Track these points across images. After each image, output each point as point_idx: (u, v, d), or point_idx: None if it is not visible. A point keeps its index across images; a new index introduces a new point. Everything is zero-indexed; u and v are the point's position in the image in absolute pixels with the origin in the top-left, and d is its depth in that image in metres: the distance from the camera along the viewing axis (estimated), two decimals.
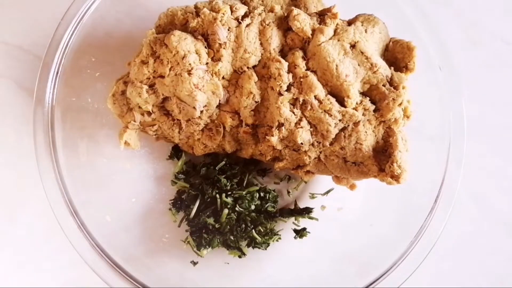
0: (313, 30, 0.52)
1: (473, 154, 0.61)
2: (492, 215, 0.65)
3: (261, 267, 0.61)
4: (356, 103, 0.51)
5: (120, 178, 0.61)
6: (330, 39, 0.51)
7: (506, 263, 0.65)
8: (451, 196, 0.56)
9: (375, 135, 0.53)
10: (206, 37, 0.52)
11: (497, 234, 0.65)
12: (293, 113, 0.51)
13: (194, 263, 0.59)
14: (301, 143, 0.52)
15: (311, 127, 0.52)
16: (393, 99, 0.51)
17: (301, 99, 0.51)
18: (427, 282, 0.64)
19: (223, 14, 0.51)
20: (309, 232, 0.60)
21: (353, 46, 0.51)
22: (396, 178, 0.50)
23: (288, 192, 0.62)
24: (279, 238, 0.60)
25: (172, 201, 0.60)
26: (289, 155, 0.54)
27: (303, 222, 0.61)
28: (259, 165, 0.60)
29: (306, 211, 0.61)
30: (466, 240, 0.65)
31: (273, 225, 0.60)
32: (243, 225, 0.58)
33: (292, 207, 0.61)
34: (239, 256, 0.59)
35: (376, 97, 0.52)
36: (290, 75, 0.51)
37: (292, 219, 0.61)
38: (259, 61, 0.52)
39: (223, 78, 0.53)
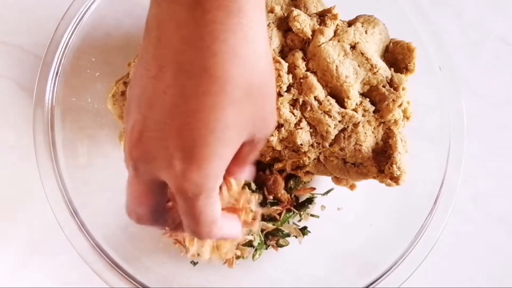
0: (313, 31, 0.52)
1: (473, 154, 0.61)
2: (492, 215, 0.65)
3: (261, 267, 0.61)
4: (356, 104, 0.51)
5: (120, 178, 0.60)
6: (330, 40, 0.51)
7: (506, 263, 0.65)
8: (451, 196, 0.56)
9: (375, 136, 0.53)
10: None
11: (497, 234, 0.65)
12: (293, 114, 0.51)
13: (194, 263, 0.60)
14: (301, 144, 0.52)
15: (310, 128, 0.52)
16: (393, 100, 0.51)
17: (300, 100, 0.51)
18: (427, 282, 0.64)
19: None
20: (309, 232, 0.61)
21: (353, 47, 0.51)
22: (395, 179, 0.50)
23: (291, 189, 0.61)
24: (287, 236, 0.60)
25: None
26: (289, 156, 0.54)
27: (303, 222, 0.61)
28: (258, 166, 0.60)
29: (308, 202, 0.61)
30: (466, 240, 0.65)
31: (279, 224, 0.60)
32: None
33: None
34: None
35: (376, 98, 0.52)
36: (290, 76, 0.51)
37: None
38: None
39: None
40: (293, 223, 0.61)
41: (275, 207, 0.59)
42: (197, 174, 0.33)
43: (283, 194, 0.59)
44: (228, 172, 0.40)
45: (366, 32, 0.52)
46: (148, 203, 0.38)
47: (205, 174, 0.34)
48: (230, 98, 0.33)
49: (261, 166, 0.59)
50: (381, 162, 0.52)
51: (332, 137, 0.52)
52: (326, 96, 0.51)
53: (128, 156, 0.36)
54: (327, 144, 0.52)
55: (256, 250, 0.59)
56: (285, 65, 0.51)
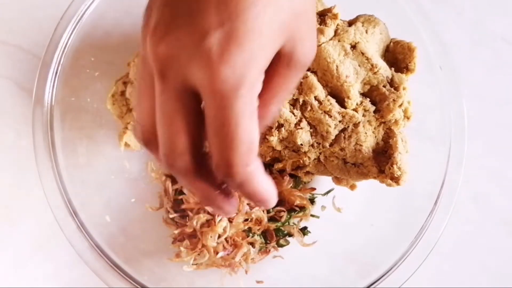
0: None
1: (473, 154, 0.61)
2: (492, 215, 0.65)
3: (261, 267, 0.61)
4: (356, 104, 0.51)
5: (120, 178, 0.61)
6: (331, 39, 0.51)
7: (506, 263, 0.65)
8: (451, 196, 0.56)
9: (375, 136, 0.52)
10: None
11: (497, 234, 0.65)
12: (293, 114, 0.51)
13: (195, 264, 0.59)
14: (301, 144, 0.52)
15: (310, 128, 0.52)
16: (394, 100, 0.51)
17: (301, 100, 0.51)
18: (427, 282, 0.64)
19: None
20: (309, 232, 0.60)
21: (353, 46, 0.51)
22: (396, 180, 0.50)
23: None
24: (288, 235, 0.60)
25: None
26: (289, 156, 0.54)
27: (303, 222, 0.61)
28: None
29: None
30: (466, 240, 0.65)
31: (280, 224, 0.60)
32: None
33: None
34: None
35: (377, 98, 0.52)
36: None
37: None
38: None
39: None
40: (293, 223, 0.61)
41: (277, 208, 0.58)
42: (237, 55, 0.29)
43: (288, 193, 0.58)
44: (261, 102, 0.34)
45: (366, 32, 0.52)
46: (185, 130, 0.32)
47: (247, 54, 0.29)
48: None
49: None
50: (382, 162, 0.51)
51: (333, 137, 0.52)
52: (326, 96, 0.51)
53: (154, 57, 0.32)
54: (327, 144, 0.52)
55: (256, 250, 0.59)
56: None
